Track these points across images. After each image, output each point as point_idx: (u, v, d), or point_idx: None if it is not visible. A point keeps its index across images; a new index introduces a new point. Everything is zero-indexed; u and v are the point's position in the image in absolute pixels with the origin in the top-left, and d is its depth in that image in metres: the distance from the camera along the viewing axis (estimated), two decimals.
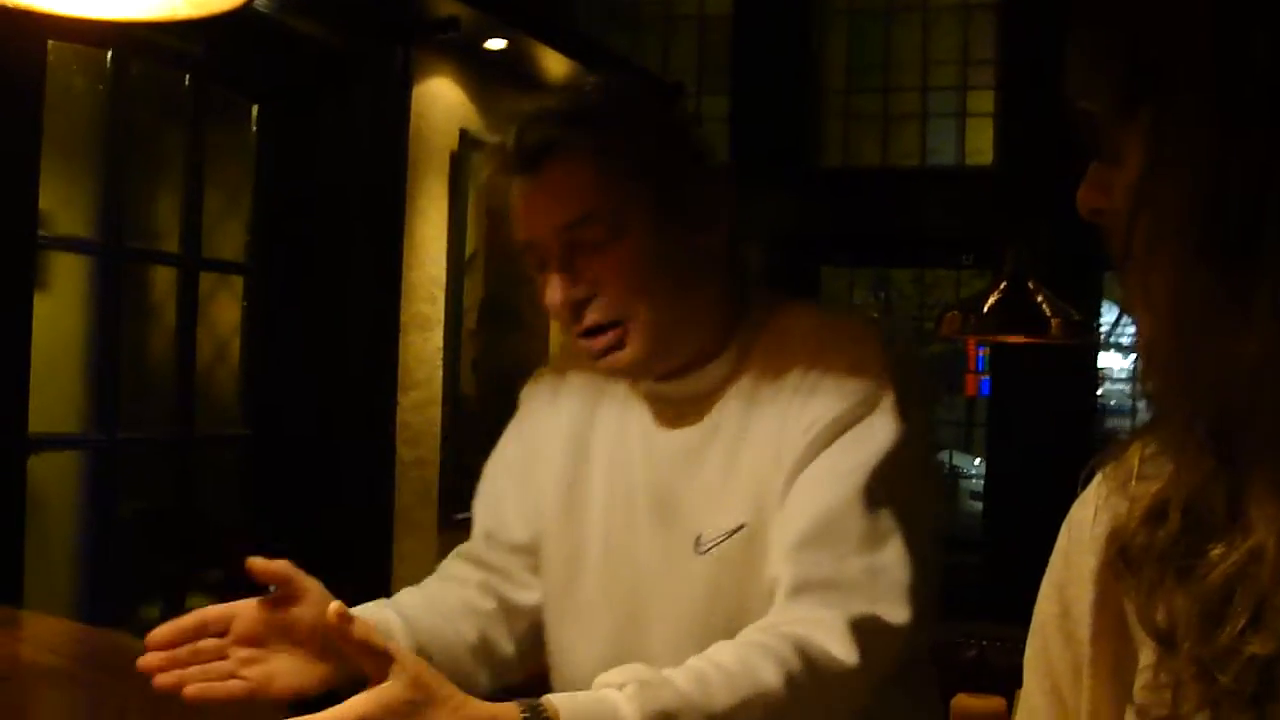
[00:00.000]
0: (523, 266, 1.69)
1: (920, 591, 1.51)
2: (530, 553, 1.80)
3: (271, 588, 1.56)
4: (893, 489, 1.54)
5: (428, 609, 1.72)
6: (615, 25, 8.38)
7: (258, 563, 1.50)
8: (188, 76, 3.87)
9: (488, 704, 1.26)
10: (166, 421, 3.94)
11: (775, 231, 7.02)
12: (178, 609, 3.88)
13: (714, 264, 1.66)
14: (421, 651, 1.62)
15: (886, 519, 1.52)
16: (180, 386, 3.94)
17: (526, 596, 1.80)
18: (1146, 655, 0.79)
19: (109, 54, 3.60)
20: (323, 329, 4.21)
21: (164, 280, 4.06)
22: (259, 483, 4.19)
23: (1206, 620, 0.71)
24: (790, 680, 1.38)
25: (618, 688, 1.32)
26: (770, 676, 1.37)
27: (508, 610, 1.79)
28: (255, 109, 4.19)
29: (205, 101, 3.95)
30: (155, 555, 3.98)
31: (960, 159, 7.91)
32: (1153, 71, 0.69)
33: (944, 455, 12.76)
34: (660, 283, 1.61)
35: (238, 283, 4.25)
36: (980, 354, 8.73)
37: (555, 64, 4.84)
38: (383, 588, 4.19)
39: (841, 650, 1.43)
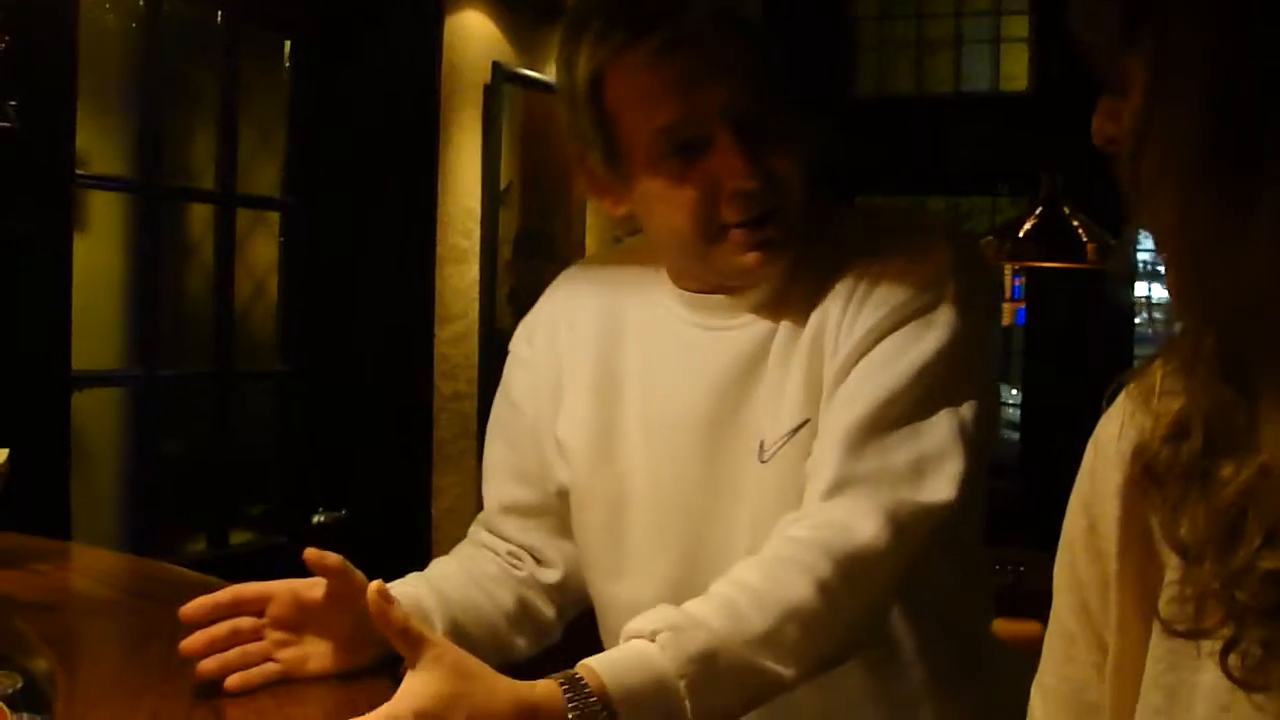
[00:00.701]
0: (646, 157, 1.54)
1: (970, 478, 1.48)
2: (542, 514, 1.76)
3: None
4: (948, 381, 1.50)
5: (463, 580, 1.70)
6: None
7: (313, 554, 1.46)
8: (220, 13, 3.87)
9: (525, 684, 1.25)
10: (206, 358, 3.98)
11: (810, 161, 6.96)
12: (221, 543, 3.95)
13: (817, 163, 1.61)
14: (457, 624, 1.62)
15: (939, 409, 1.49)
16: (219, 323, 3.98)
17: (550, 575, 1.77)
18: (1171, 570, 0.80)
19: None
20: (359, 263, 4.23)
21: (201, 217, 4.08)
22: (298, 417, 4.24)
23: (1222, 537, 0.72)
24: (822, 587, 1.36)
25: (649, 638, 1.30)
26: (800, 589, 1.36)
27: (538, 584, 1.76)
28: (288, 45, 4.20)
29: (238, 38, 3.96)
30: (197, 489, 4.02)
31: (995, 85, 7.83)
32: (1151, 8, 0.69)
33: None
34: (807, 173, 1.57)
35: (274, 219, 4.27)
36: (1016, 283, 8.69)
37: None
38: (423, 521, 4.24)
39: (871, 535, 1.41)
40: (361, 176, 4.21)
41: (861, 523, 1.41)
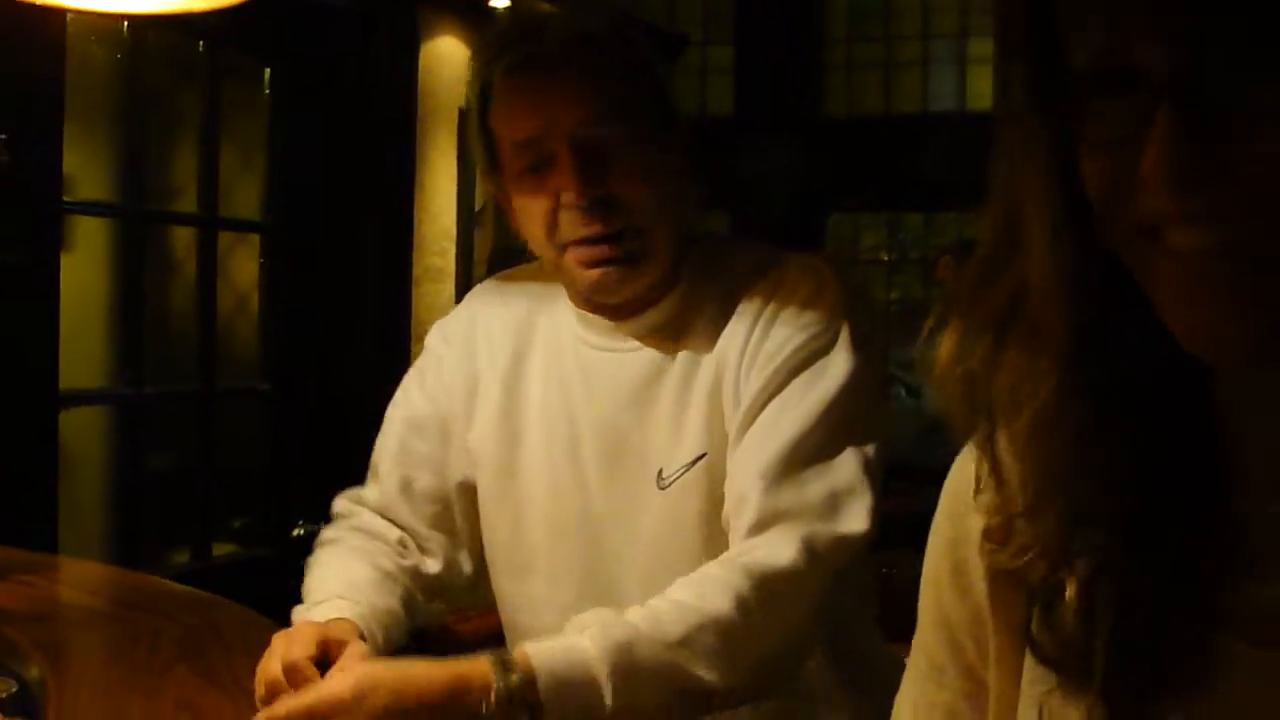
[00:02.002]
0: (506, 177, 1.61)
1: (879, 507, 1.54)
2: (442, 502, 1.78)
3: None
4: (851, 420, 1.56)
5: (383, 587, 1.70)
6: None
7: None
8: (202, 42, 3.97)
9: (455, 660, 1.34)
10: (189, 376, 4.07)
11: (782, 180, 7.09)
12: (204, 555, 4.03)
13: (683, 194, 1.64)
14: (390, 640, 1.65)
15: (845, 448, 1.55)
16: (202, 342, 4.07)
17: (432, 565, 1.78)
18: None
19: (126, 23, 3.70)
20: (338, 283, 4.31)
21: (184, 239, 4.17)
22: (279, 433, 4.32)
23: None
24: (740, 602, 1.44)
25: (581, 630, 1.39)
26: (720, 602, 1.43)
27: (420, 575, 1.77)
28: (268, 72, 4.29)
29: (219, 65, 4.05)
30: (181, 503, 4.10)
31: (962, 104, 7.94)
32: None
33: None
34: (670, 198, 1.60)
35: (255, 240, 4.36)
36: None
37: None
38: None
39: (790, 560, 1.47)
40: (340, 198, 4.30)
41: (781, 551, 1.48)
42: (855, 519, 1.53)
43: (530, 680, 1.34)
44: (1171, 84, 0.63)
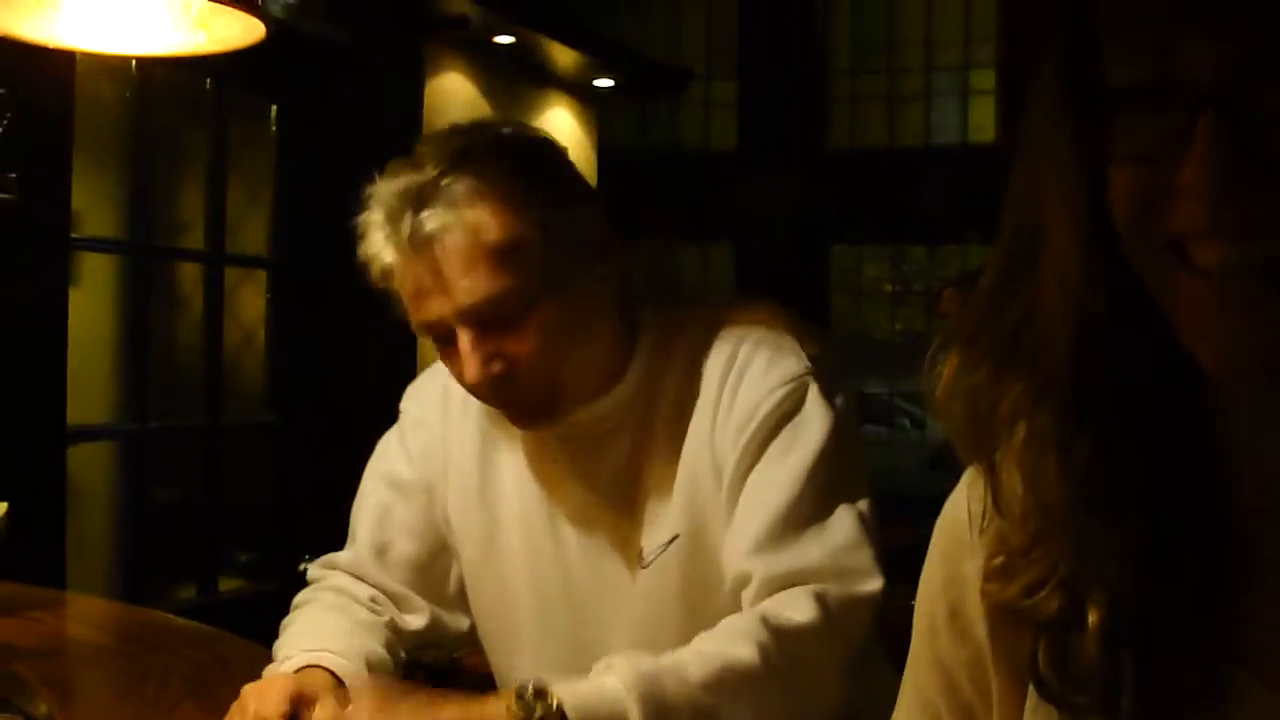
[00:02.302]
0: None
1: (882, 560, 1.54)
2: (421, 569, 1.76)
3: None
4: (836, 478, 1.56)
5: (367, 637, 1.69)
6: (623, 10, 8.46)
7: None
8: (209, 80, 4.00)
9: (474, 697, 1.35)
10: (196, 411, 4.09)
11: (785, 213, 7.12)
12: (211, 590, 4.04)
13: (610, 289, 1.60)
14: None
15: (836, 505, 1.55)
16: (208, 377, 4.09)
17: (415, 621, 1.76)
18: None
19: (134, 62, 3.73)
20: (345, 318, 4.33)
21: (191, 275, 4.20)
22: (285, 467, 4.34)
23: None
24: (762, 651, 1.43)
25: (606, 670, 1.40)
26: (742, 650, 1.43)
27: (399, 629, 1.75)
28: (274, 109, 4.33)
29: (226, 103, 4.09)
30: (187, 538, 4.11)
31: (964, 137, 7.99)
32: None
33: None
34: (578, 336, 1.57)
35: (262, 276, 4.39)
36: None
37: (563, 56, 4.96)
38: None
39: (807, 618, 1.47)
40: (346, 234, 4.30)
41: (797, 607, 1.48)
42: (865, 578, 1.52)
43: (557, 713, 1.34)
44: (1217, 92, 0.63)
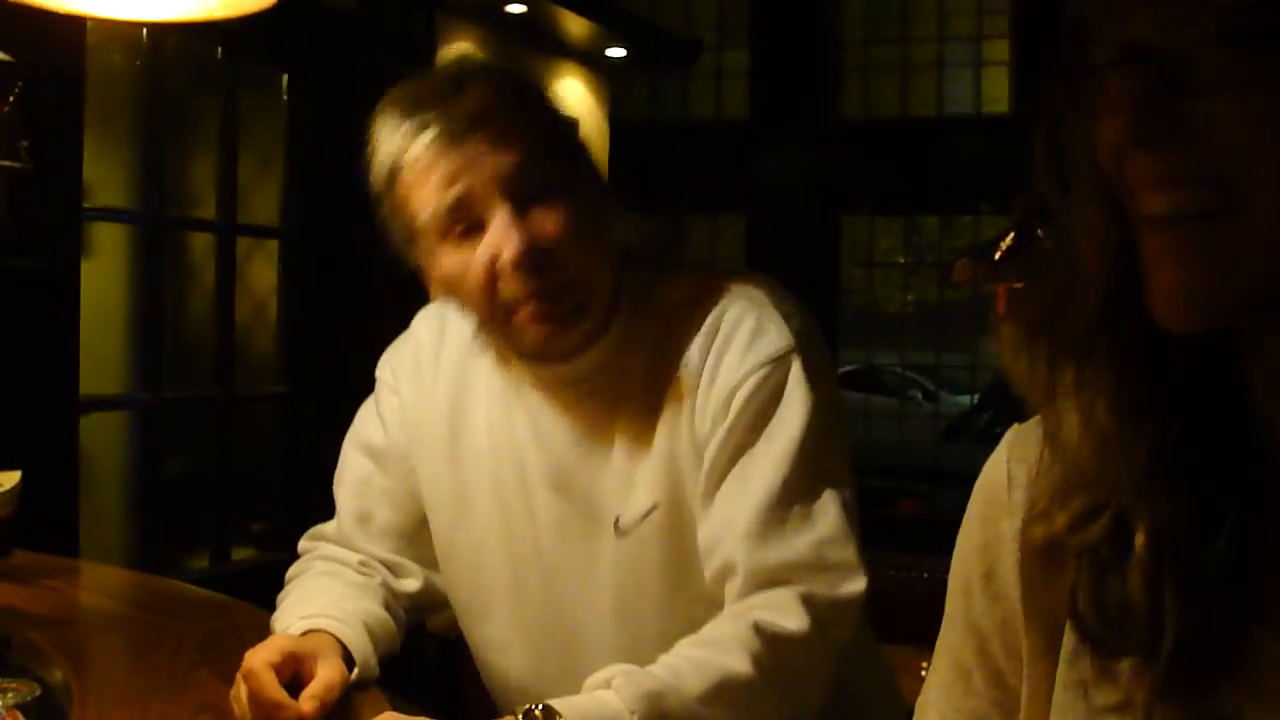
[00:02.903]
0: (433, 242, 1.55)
1: (864, 553, 1.54)
2: (404, 535, 1.76)
3: None
4: (819, 459, 1.55)
5: (361, 596, 1.68)
6: None
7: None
8: (220, 49, 4.00)
9: None
10: (208, 381, 4.10)
11: (797, 183, 7.09)
12: (223, 559, 4.06)
13: (607, 236, 1.60)
14: (375, 639, 1.64)
15: (821, 491, 1.54)
16: (220, 347, 4.10)
17: (409, 584, 1.76)
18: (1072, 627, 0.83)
19: (145, 30, 3.73)
20: (356, 287, 4.34)
21: (202, 244, 4.20)
22: (297, 437, 4.34)
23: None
24: (756, 661, 1.43)
25: (605, 684, 1.38)
26: (736, 661, 1.43)
27: (393, 591, 1.75)
28: (285, 78, 4.32)
29: (237, 73, 4.08)
30: (200, 508, 4.13)
31: (977, 107, 7.96)
32: None
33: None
34: (598, 247, 1.57)
35: (273, 246, 4.39)
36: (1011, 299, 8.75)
37: (574, 26, 4.94)
38: None
39: (797, 626, 1.47)
40: (357, 203, 4.31)
41: (787, 614, 1.48)
42: (851, 576, 1.52)
43: None
44: (1131, 55, 0.67)
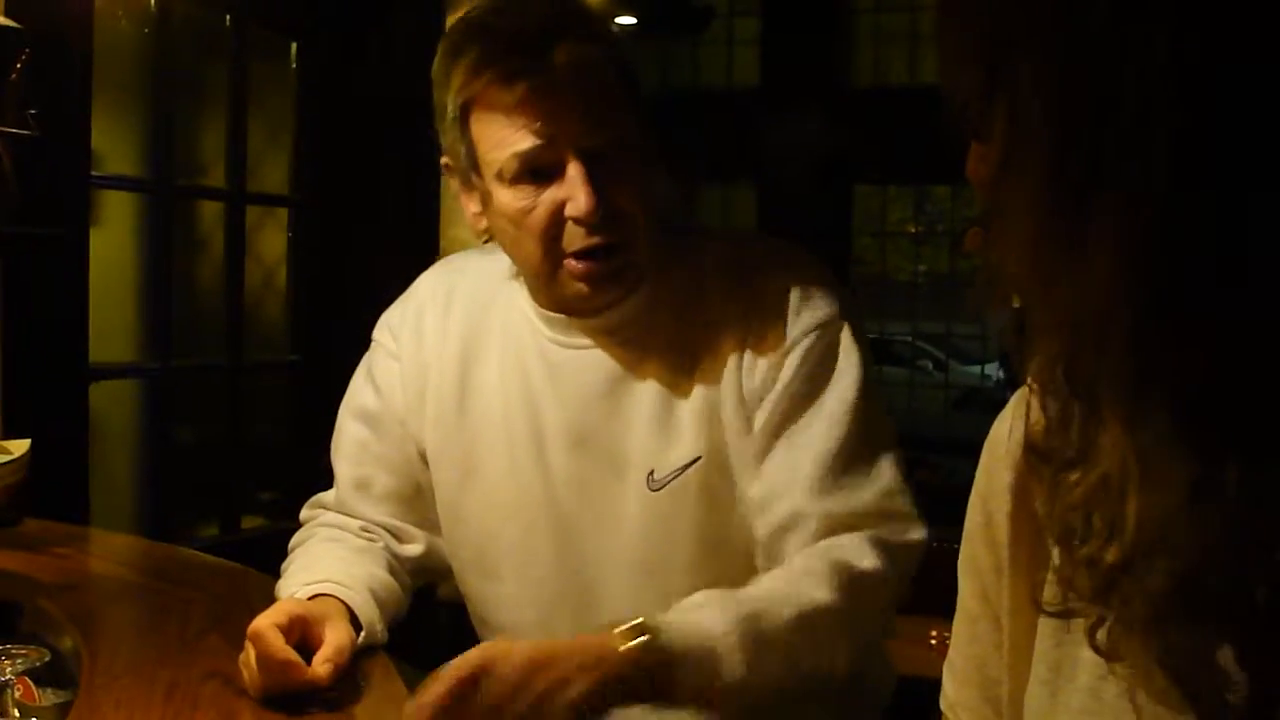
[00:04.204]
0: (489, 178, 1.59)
1: (920, 505, 1.59)
2: (404, 500, 1.77)
3: None
4: (871, 415, 1.59)
5: (354, 567, 1.69)
6: None
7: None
8: (228, 17, 3.98)
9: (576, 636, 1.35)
10: (218, 350, 4.10)
11: (808, 152, 7.06)
12: (233, 528, 4.07)
13: (659, 199, 1.64)
14: (380, 602, 1.65)
15: (878, 446, 1.58)
16: (230, 316, 4.09)
17: (412, 549, 1.78)
18: (1055, 556, 0.87)
19: None
20: (366, 256, 4.33)
21: (212, 213, 4.20)
22: (306, 406, 4.35)
23: (1068, 538, 0.81)
24: (839, 593, 1.47)
25: (697, 608, 1.40)
26: (821, 592, 1.46)
27: (396, 555, 1.77)
28: (295, 46, 4.30)
29: (246, 40, 4.06)
30: (210, 476, 4.14)
31: None
32: (1006, 61, 0.77)
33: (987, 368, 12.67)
34: (654, 206, 1.61)
35: (283, 214, 4.38)
36: None
37: None
38: None
39: (873, 564, 1.51)
40: (367, 172, 4.31)
41: (862, 553, 1.51)
42: (913, 525, 1.57)
43: (660, 644, 1.34)
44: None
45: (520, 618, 1.72)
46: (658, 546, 1.61)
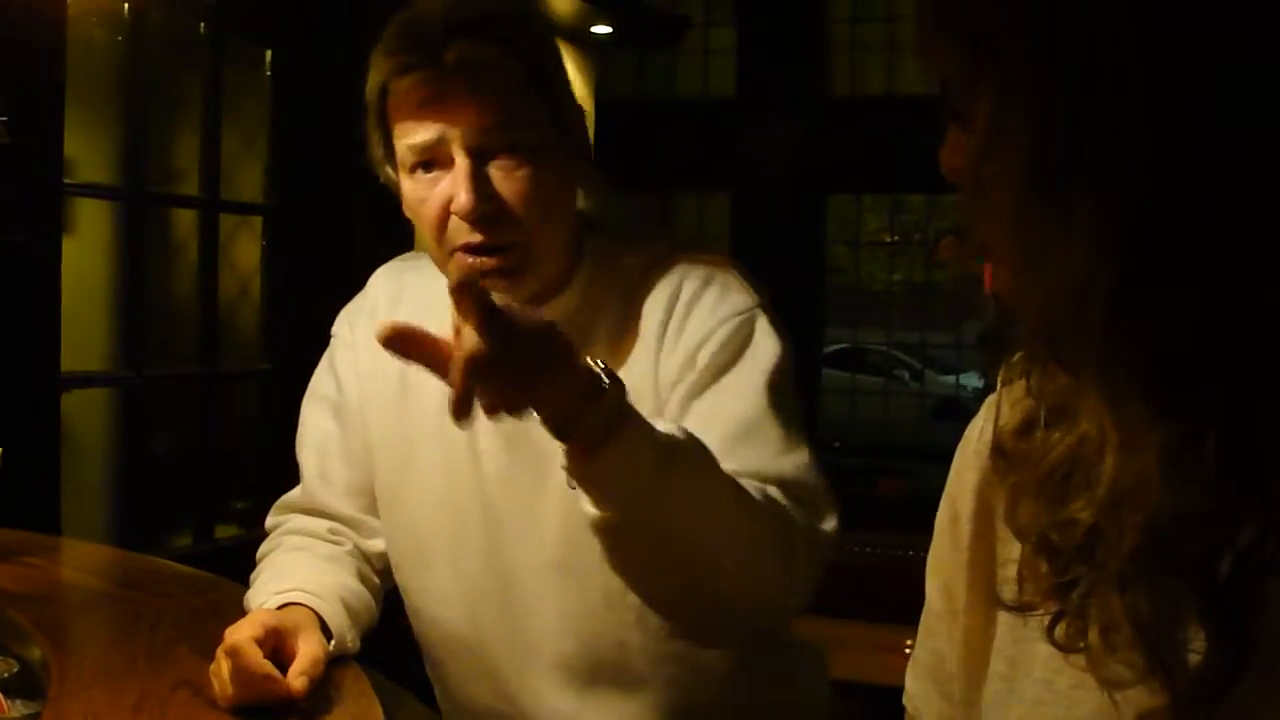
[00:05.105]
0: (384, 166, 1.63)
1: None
2: (365, 493, 1.78)
3: None
4: (784, 399, 1.58)
5: (323, 576, 1.68)
6: None
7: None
8: (203, 24, 3.98)
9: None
10: (191, 358, 4.08)
11: (783, 161, 7.07)
12: (206, 537, 4.05)
13: (573, 199, 1.65)
14: (352, 611, 1.64)
15: (794, 425, 1.57)
16: (204, 324, 4.08)
17: (377, 544, 1.78)
18: (1013, 554, 0.91)
19: (126, 5, 3.71)
20: (340, 265, 4.32)
21: (185, 221, 4.18)
22: (280, 415, 4.33)
23: (1046, 499, 0.83)
24: (762, 501, 1.45)
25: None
26: (749, 493, 1.44)
27: (364, 553, 1.78)
28: (269, 54, 4.29)
29: (221, 48, 4.05)
30: (183, 485, 4.12)
31: None
32: (989, 46, 0.78)
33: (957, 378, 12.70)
34: (556, 212, 1.60)
35: (257, 222, 4.37)
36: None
37: (560, 2, 4.93)
38: None
39: (785, 511, 1.48)
40: (342, 181, 4.30)
41: (775, 496, 1.49)
42: (827, 512, 1.54)
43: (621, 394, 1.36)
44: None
45: (450, 612, 1.73)
46: (576, 546, 1.59)
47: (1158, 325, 0.74)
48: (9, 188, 2.86)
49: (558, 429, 1.34)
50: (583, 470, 1.36)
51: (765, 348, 1.59)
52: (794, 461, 1.54)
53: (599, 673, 1.67)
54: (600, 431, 1.34)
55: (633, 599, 1.56)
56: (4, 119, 2.61)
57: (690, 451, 1.40)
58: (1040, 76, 0.76)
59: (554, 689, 1.68)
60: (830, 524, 1.54)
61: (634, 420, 1.36)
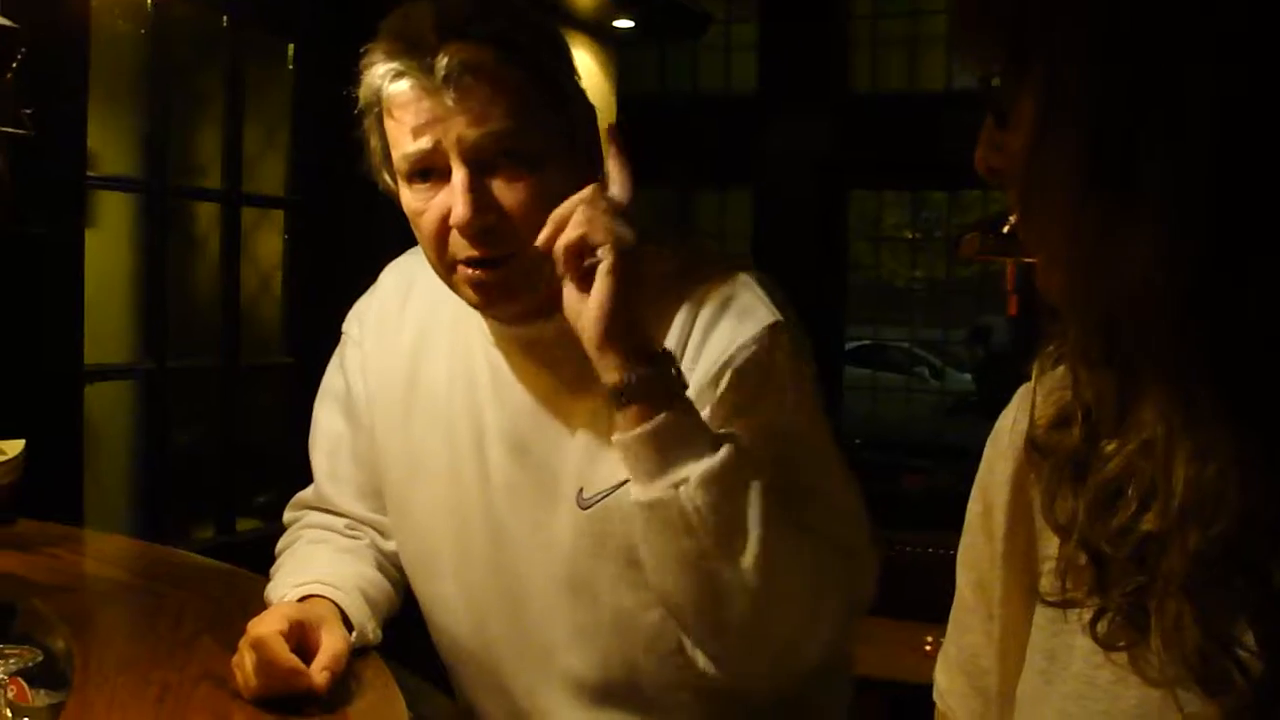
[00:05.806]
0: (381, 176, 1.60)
1: (875, 532, 1.54)
2: (378, 494, 1.76)
3: None
4: (816, 437, 1.54)
5: (342, 567, 1.68)
6: None
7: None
8: (225, 18, 3.98)
9: None
10: (213, 351, 4.10)
11: (805, 157, 7.05)
12: (228, 529, 4.06)
13: None
14: (372, 602, 1.66)
15: (824, 470, 1.53)
16: (226, 317, 4.09)
17: (390, 544, 1.77)
18: (1050, 549, 0.89)
19: None
20: (362, 258, 4.32)
21: (208, 215, 4.19)
22: (302, 408, 4.33)
23: (1100, 508, 0.81)
24: (796, 531, 1.44)
25: None
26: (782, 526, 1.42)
27: (381, 549, 1.77)
28: (291, 47, 4.30)
29: (243, 42, 4.06)
30: (205, 478, 4.13)
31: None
32: (1038, 40, 0.77)
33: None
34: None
35: (279, 216, 4.38)
36: (1019, 273, 8.75)
37: None
38: None
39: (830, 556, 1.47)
40: (363, 174, 4.31)
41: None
42: (868, 572, 1.54)
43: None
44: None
45: (458, 621, 1.71)
46: (586, 565, 1.57)
47: (1233, 326, 0.72)
48: (33, 181, 2.86)
49: (624, 380, 1.38)
50: (644, 434, 1.38)
51: (790, 373, 1.52)
52: (839, 511, 1.52)
53: (610, 693, 1.63)
54: (664, 397, 1.37)
55: (644, 621, 1.56)
56: (28, 112, 2.61)
57: (744, 451, 1.40)
58: (1096, 72, 0.74)
59: (564, 707, 1.65)
60: (868, 588, 1.53)
61: (691, 405, 1.41)
